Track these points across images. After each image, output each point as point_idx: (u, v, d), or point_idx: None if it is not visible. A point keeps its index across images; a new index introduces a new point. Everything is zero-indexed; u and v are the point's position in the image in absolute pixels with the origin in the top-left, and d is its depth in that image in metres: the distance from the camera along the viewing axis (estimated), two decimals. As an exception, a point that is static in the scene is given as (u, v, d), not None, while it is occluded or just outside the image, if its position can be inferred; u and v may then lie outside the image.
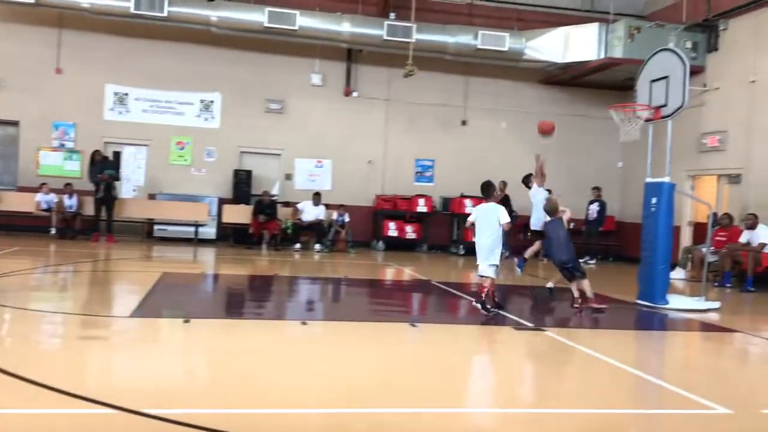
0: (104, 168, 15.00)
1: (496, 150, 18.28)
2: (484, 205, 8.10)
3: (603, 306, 8.92)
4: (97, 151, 15.47)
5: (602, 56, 15.99)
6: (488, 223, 7.84)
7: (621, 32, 15.61)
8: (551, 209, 9.14)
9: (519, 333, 7.19)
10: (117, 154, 15.96)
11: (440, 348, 6.45)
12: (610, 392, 5.11)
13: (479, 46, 16.42)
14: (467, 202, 17.14)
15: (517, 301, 10.24)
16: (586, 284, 8.85)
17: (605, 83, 17.64)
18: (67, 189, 15.45)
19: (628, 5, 17.71)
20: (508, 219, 7.77)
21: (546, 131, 10.44)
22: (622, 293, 10.70)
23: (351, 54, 17.61)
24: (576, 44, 16.36)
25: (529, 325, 7.64)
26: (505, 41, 16.48)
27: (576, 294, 8.86)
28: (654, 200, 9.73)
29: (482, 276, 7.95)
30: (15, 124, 16.35)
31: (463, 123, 18.41)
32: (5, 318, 6.59)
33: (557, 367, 6.03)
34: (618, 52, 15.69)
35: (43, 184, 15.55)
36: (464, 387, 5.18)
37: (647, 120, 10.15)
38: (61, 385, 4.20)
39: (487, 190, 8.25)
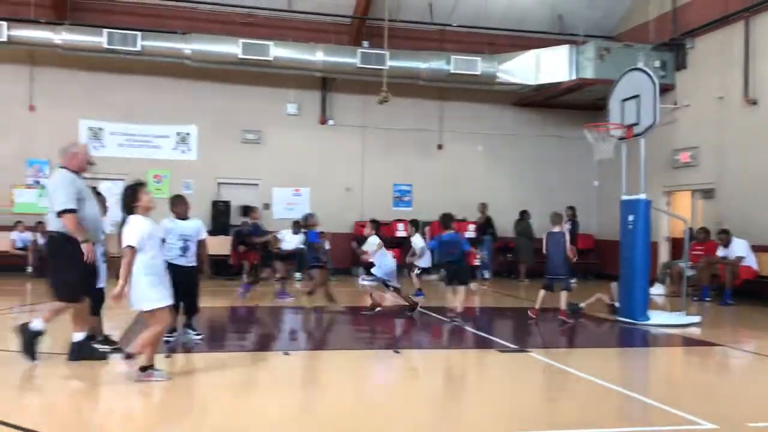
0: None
1: (473, 173, 18.44)
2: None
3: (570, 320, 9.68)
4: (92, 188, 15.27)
5: (574, 77, 16.24)
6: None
7: (591, 53, 15.88)
8: (555, 222, 9.88)
9: (503, 355, 7.18)
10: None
11: (426, 374, 6.42)
12: (596, 411, 5.11)
13: (452, 71, 16.60)
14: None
15: (500, 323, 10.24)
16: (565, 296, 9.72)
17: (578, 104, 17.89)
18: (40, 228, 15.23)
19: (597, 27, 18.04)
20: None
21: None
22: (603, 311, 10.75)
23: (325, 83, 17.71)
24: (547, 66, 16.61)
25: (513, 346, 7.64)
26: (477, 65, 16.68)
27: (563, 306, 9.61)
28: (631, 217, 9.85)
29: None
30: (-12, 162, 16.16)
31: (440, 147, 18.53)
32: (-19, 361, 6.45)
33: (543, 388, 6.03)
34: (589, 73, 15.94)
35: (18, 222, 15.35)
36: (451, 412, 5.15)
37: (620, 138, 10.31)
38: (38, 426, 4.11)
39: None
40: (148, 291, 5.48)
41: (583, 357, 7.59)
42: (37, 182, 16.31)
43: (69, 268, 6.08)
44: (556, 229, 9.88)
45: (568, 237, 9.84)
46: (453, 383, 6.19)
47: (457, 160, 18.47)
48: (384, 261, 10.09)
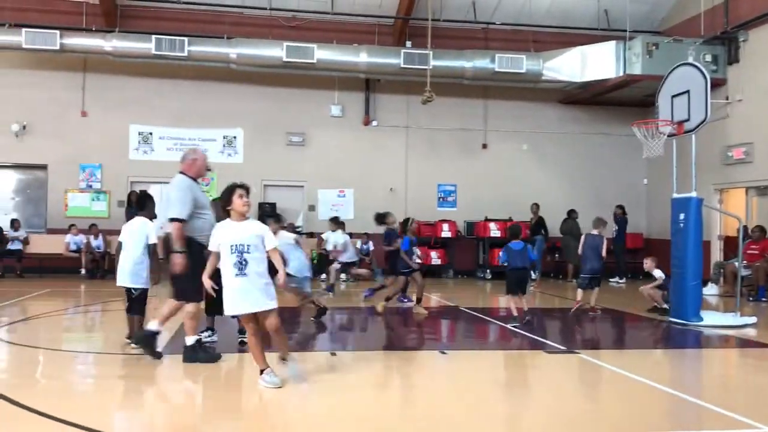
0: (134, 212, 15.01)
1: (518, 172, 18.27)
2: None
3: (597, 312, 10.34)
4: (132, 192, 15.59)
5: (621, 74, 15.95)
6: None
7: (639, 49, 15.57)
8: (597, 226, 10.56)
9: (551, 356, 7.08)
10: (143, 194, 16.12)
11: (473, 376, 6.37)
12: (649, 414, 5.00)
13: (497, 69, 16.47)
14: (492, 225, 17.10)
15: (548, 324, 10.11)
16: (596, 293, 10.46)
17: (626, 100, 17.56)
18: (93, 230, 15.66)
19: (645, 22, 17.70)
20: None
21: None
22: (654, 312, 10.53)
23: (369, 84, 17.77)
24: (594, 63, 16.34)
25: (561, 348, 7.53)
26: (523, 63, 16.52)
27: (593, 303, 10.31)
28: (682, 216, 9.61)
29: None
30: (43, 167, 16.68)
31: (484, 146, 18.41)
32: (39, 359, 6.65)
33: (593, 391, 5.92)
34: (637, 69, 15.63)
35: (72, 225, 15.79)
36: (501, 415, 5.09)
37: (670, 135, 10.08)
38: (96, 424, 4.21)
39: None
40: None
41: (634, 358, 7.43)
42: (90, 186, 16.76)
43: (189, 271, 6.14)
44: (595, 232, 10.49)
45: (605, 242, 10.50)
46: (501, 386, 6.12)
47: (501, 159, 18.32)
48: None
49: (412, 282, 10.56)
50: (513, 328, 8.81)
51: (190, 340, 6.33)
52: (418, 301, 10.43)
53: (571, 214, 16.95)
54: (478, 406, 5.14)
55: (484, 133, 18.41)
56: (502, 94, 18.09)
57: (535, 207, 16.98)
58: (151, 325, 6.40)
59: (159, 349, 6.53)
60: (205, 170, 6.67)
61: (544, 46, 17.32)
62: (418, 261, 11.04)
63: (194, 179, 6.53)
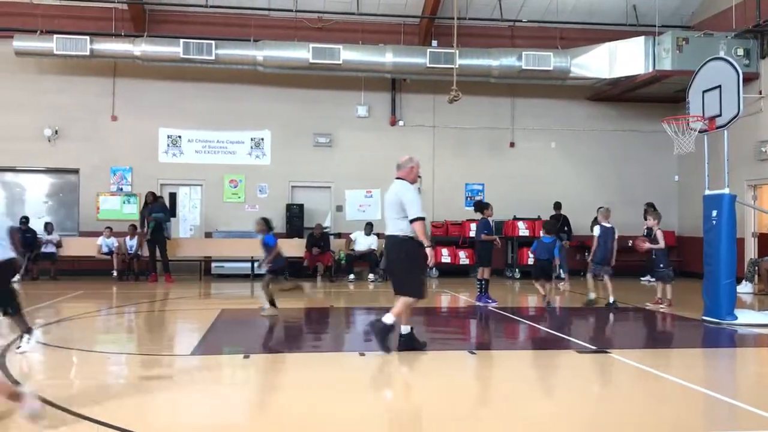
0: (152, 211, 15.26)
1: (546, 170, 18.12)
2: None
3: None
4: (150, 192, 15.82)
5: (651, 69, 15.74)
6: None
7: (668, 44, 15.35)
8: (605, 216, 11.25)
9: (582, 356, 7.00)
10: (172, 196, 16.43)
11: (503, 375, 6.33)
12: (685, 415, 4.92)
13: (524, 67, 16.36)
14: (520, 224, 16.99)
15: (577, 323, 10.01)
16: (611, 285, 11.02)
17: (656, 96, 17.32)
18: (131, 231, 15.86)
19: (674, 16, 17.44)
20: None
21: None
22: (686, 310, 10.38)
23: (395, 83, 17.77)
24: (623, 59, 16.15)
25: (592, 347, 7.45)
26: (550, 60, 16.39)
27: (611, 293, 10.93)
28: (714, 213, 9.44)
29: None
30: (75, 171, 16.96)
31: (512, 145, 18.29)
32: (72, 360, 6.76)
33: (627, 391, 5.84)
34: (667, 65, 15.42)
35: (108, 227, 16.02)
36: (534, 418, 5.05)
37: (701, 131, 9.91)
38: (129, 425, 4.26)
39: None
40: None
41: (667, 358, 7.32)
42: (120, 189, 17.01)
43: (417, 269, 6.92)
44: (607, 224, 11.18)
45: (617, 232, 11.22)
46: (532, 386, 6.07)
47: (529, 157, 18.20)
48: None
49: None
50: (543, 328, 8.74)
51: (390, 318, 6.76)
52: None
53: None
54: (510, 407, 5.10)
55: (512, 131, 18.30)
56: (529, 92, 17.96)
57: (557, 205, 16.65)
58: (387, 318, 6.77)
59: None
60: (417, 177, 7.32)
61: (571, 42, 17.16)
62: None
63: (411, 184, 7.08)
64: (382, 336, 6.80)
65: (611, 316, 10.26)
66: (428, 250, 6.79)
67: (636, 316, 10.43)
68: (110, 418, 4.39)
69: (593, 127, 18.36)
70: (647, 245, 10.95)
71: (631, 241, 11.99)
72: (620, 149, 18.39)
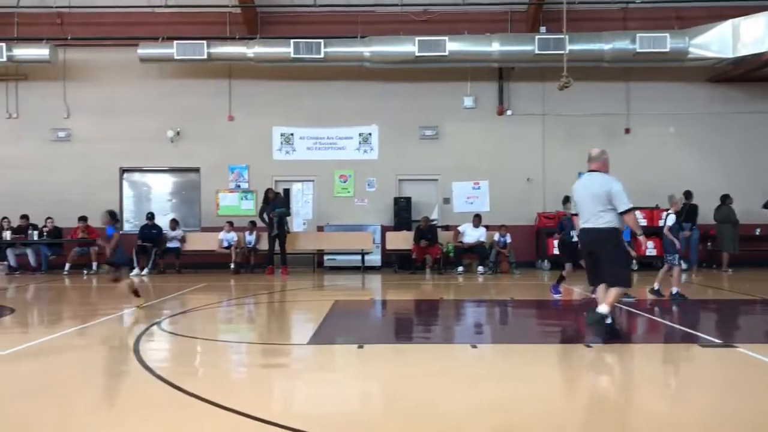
0: (274, 206, 15.82)
1: (665, 156, 17.32)
2: None
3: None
4: (269, 189, 16.43)
5: (779, 46, 14.68)
6: None
7: (799, 17, 14.27)
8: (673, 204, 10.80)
9: (707, 351, 6.66)
10: (287, 192, 17.05)
11: (624, 369, 6.12)
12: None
13: (638, 50, 15.70)
14: (638, 213, 16.29)
15: (701, 316, 9.52)
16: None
17: (785, 75, 16.16)
18: (250, 227, 16.56)
19: (805, -13, 16.18)
20: None
21: None
22: None
23: (502, 72, 17.50)
24: (747, 36, 15.16)
25: (717, 341, 7.06)
26: (666, 42, 15.62)
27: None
28: None
29: None
30: (196, 170, 17.86)
31: (627, 131, 17.60)
32: (197, 349, 7.14)
33: (762, 389, 5.49)
34: (797, 40, 14.34)
35: (229, 222, 16.80)
36: (659, 416, 4.86)
37: (840, 110, 9.15)
38: (253, 410, 4.45)
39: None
40: None
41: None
42: (238, 186, 17.76)
43: (625, 259, 7.36)
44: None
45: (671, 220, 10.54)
46: (654, 381, 5.83)
47: (647, 143, 17.45)
48: None
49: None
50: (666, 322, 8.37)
51: (605, 308, 6.94)
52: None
53: (725, 199, 15.87)
54: (639, 402, 4.93)
55: (627, 117, 17.60)
56: (644, 76, 17.22)
57: (683, 195, 15.77)
58: (602, 308, 6.96)
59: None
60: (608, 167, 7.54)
61: (689, 22, 16.27)
62: None
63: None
64: (599, 326, 6.94)
65: (739, 309, 9.67)
66: (641, 238, 7.21)
67: (763, 308, 9.78)
68: (231, 403, 4.61)
69: (715, 110, 17.36)
70: None
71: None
72: (745, 133, 17.29)
